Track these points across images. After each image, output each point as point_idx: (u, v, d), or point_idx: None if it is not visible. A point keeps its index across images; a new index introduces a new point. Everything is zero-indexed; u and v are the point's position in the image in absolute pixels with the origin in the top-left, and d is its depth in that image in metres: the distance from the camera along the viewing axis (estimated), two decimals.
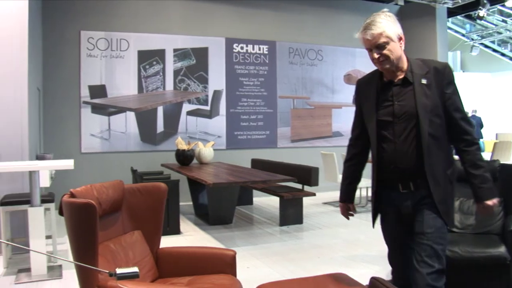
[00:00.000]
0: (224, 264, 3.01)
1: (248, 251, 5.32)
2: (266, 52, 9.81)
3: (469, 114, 12.90)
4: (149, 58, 8.87)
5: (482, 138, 14.29)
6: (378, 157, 2.59)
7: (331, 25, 10.48)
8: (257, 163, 8.56)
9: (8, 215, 4.98)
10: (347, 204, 3.04)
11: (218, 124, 9.38)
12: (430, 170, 2.47)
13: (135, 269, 2.19)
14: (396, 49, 2.48)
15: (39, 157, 6.09)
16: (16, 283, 4.40)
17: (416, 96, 2.47)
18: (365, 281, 3.89)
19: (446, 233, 2.62)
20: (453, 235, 4.10)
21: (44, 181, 5.29)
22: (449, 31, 12.64)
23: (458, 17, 14.91)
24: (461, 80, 16.35)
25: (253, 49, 9.70)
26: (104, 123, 8.58)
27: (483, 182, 2.53)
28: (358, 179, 2.95)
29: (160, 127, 8.96)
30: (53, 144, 8.15)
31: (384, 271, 4.68)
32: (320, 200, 8.87)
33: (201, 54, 9.27)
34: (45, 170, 5.19)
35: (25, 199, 4.78)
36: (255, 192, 8.57)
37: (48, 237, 5.06)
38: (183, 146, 7.87)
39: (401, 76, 2.54)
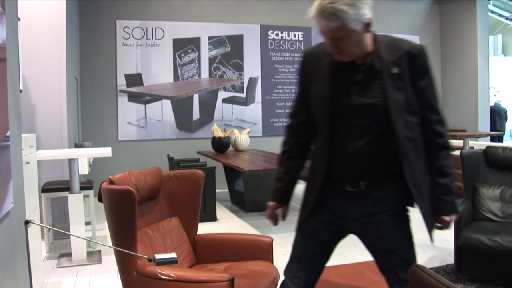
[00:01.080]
0: (261, 251, 3.00)
1: (284, 238, 5.31)
2: (301, 39, 9.72)
3: (492, 104, 11.71)
4: (184, 46, 8.91)
5: (504, 132, 12.77)
6: (329, 154, 2.03)
7: None
8: None
9: (49, 202, 5.11)
10: (280, 206, 2.33)
11: (254, 111, 9.37)
12: (413, 181, 2.00)
13: (173, 255, 2.22)
14: (358, 41, 1.90)
15: (77, 145, 6.21)
16: (58, 267, 4.52)
17: (387, 91, 1.92)
18: None
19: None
20: (494, 224, 4.01)
21: (83, 169, 5.39)
22: (490, 14, 12.28)
23: None
24: (502, 65, 15.91)
25: (288, 35, 9.63)
26: (140, 111, 8.67)
27: (446, 193, 2.10)
28: (298, 177, 2.30)
29: (196, 114, 9.00)
30: (91, 133, 8.30)
31: (421, 260, 4.61)
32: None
33: (236, 42, 9.25)
34: (84, 157, 5.29)
35: (65, 186, 4.89)
36: None
37: (87, 223, 5.17)
38: (219, 133, 7.90)
39: (365, 60, 1.96)
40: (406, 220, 2.15)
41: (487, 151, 4.39)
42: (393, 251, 2.08)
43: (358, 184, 2.01)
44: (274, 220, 2.32)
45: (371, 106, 1.94)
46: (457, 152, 7.38)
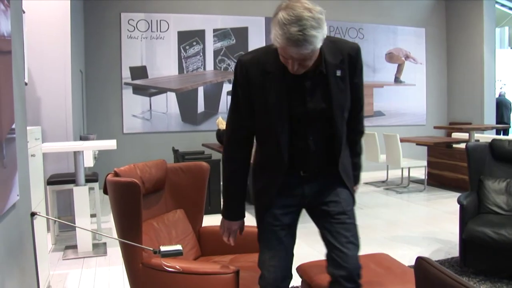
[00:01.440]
0: None
1: None
2: None
3: (496, 95, 11.48)
4: (189, 38, 8.90)
5: (510, 125, 12.56)
6: (283, 158, 2.12)
7: (372, 3, 10.26)
8: None
9: (55, 194, 5.13)
10: (239, 223, 2.37)
11: None
12: (343, 169, 2.20)
13: (178, 247, 2.22)
14: (316, 55, 1.96)
15: (82, 138, 6.22)
16: (64, 259, 4.54)
17: (332, 94, 2.05)
18: (407, 262, 3.86)
19: None
20: (500, 217, 4.00)
21: (88, 161, 5.41)
22: (497, 6, 12.19)
23: None
24: (509, 57, 15.83)
25: None
26: (145, 103, 8.68)
27: (358, 170, 2.46)
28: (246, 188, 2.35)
29: (200, 107, 9.00)
30: (96, 125, 8.32)
31: (426, 253, 4.62)
32: (361, 180, 8.76)
33: (241, 34, 9.24)
34: (89, 150, 5.30)
35: (70, 179, 4.91)
36: None
37: (92, 215, 5.19)
38: (223, 126, 7.88)
39: (313, 67, 2.02)
40: (348, 190, 2.25)
41: (493, 144, 4.38)
42: (344, 212, 2.19)
43: (309, 171, 2.19)
44: (234, 237, 2.40)
45: (322, 110, 2.08)
46: (462, 145, 7.38)
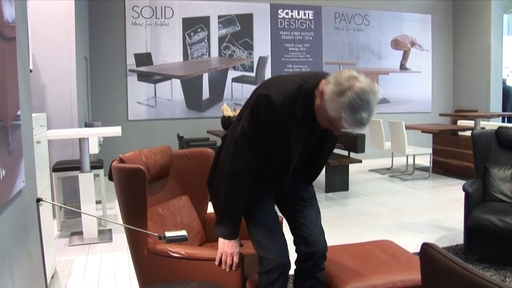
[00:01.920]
0: None
1: None
2: (312, 18, 9.63)
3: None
4: (193, 25, 8.86)
5: None
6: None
7: None
8: None
9: (60, 181, 5.15)
10: (238, 241, 2.39)
11: None
12: (309, 175, 2.63)
13: (183, 232, 2.23)
14: None
15: (87, 125, 6.23)
16: (70, 245, 4.57)
17: (326, 142, 2.44)
18: (411, 249, 3.86)
19: None
20: (505, 205, 4.00)
21: (93, 148, 5.42)
22: None
23: None
24: None
25: (298, 14, 9.55)
26: (150, 90, 8.68)
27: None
28: None
29: (205, 94, 9.00)
30: (101, 112, 8.33)
31: (431, 240, 4.62)
32: (366, 167, 8.79)
33: (246, 21, 9.19)
34: (94, 137, 5.32)
35: (76, 165, 4.92)
36: None
37: (98, 202, 5.21)
38: (228, 112, 7.88)
39: None
40: (311, 187, 2.63)
41: (499, 131, 4.36)
42: (314, 197, 2.58)
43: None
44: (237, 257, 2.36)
45: (314, 151, 2.47)
46: (468, 133, 7.35)
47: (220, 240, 2.33)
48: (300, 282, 2.48)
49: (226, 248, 2.32)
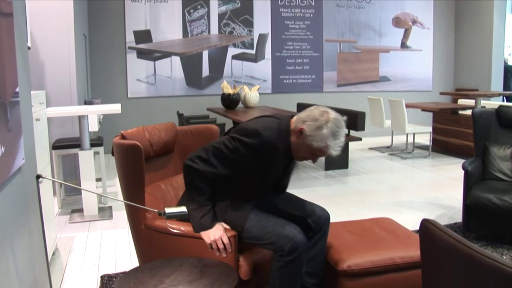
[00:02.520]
0: None
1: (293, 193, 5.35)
2: None
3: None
4: (193, 2, 8.78)
5: None
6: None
7: None
8: (302, 107, 8.43)
9: (60, 159, 5.15)
10: (222, 224, 2.46)
11: (264, 68, 9.31)
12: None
13: (183, 208, 2.24)
14: None
15: (87, 102, 6.21)
16: (71, 222, 4.60)
17: (291, 171, 2.76)
18: (410, 227, 3.88)
19: None
20: (504, 184, 4.00)
21: (93, 126, 5.41)
22: None
23: None
24: None
25: None
26: (149, 68, 8.64)
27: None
28: None
29: (205, 71, 8.95)
30: (100, 90, 8.30)
31: (430, 218, 4.64)
32: (366, 145, 8.79)
33: None
34: (94, 114, 5.30)
35: (75, 143, 4.92)
36: None
37: (97, 179, 5.22)
38: (228, 90, 7.86)
39: None
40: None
41: (500, 110, 4.35)
42: (288, 195, 2.81)
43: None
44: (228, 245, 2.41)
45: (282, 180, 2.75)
46: (468, 112, 7.34)
47: (203, 234, 2.38)
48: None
49: (211, 236, 2.36)
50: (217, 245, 2.35)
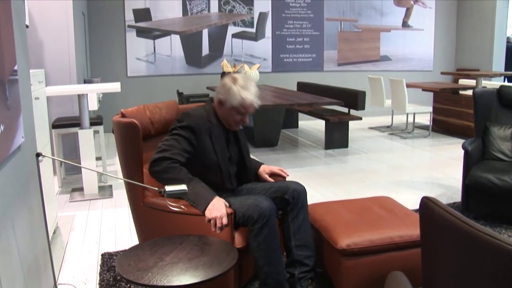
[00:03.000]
0: None
1: (293, 174, 5.36)
2: None
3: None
4: None
5: None
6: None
7: None
8: (303, 86, 8.47)
9: (60, 138, 5.14)
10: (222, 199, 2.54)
11: (264, 46, 9.25)
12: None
13: (183, 186, 2.23)
14: None
15: (86, 81, 6.18)
16: (71, 201, 4.61)
17: (241, 143, 2.89)
18: (409, 206, 3.90)
19: None
20: (504, 164, 4.01)
21: (93, 105, 5.39)
22: None
23: None
24: None
25: None
26: (149, 46, 8.58)
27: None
28: None
29: (205, 49, 8.90)
30: (100, 69, 8.26)
31: None
32: (366, 125, 8.78)
33: None
34: (93, 93, 5.28)
35: (75, 122, 4.91)
36: (300, 115, 8.57)
37: (97, 158, 5.23)
38: (228, 68, 7.83)
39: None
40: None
41: (501, 90, 4.33)
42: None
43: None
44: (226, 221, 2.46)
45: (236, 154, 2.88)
46: (469, 92, 7.31)
47: (207, 209, 2.41)
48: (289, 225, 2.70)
49: (214, 213, 2.38)
50: (216, 222, 2.37)
